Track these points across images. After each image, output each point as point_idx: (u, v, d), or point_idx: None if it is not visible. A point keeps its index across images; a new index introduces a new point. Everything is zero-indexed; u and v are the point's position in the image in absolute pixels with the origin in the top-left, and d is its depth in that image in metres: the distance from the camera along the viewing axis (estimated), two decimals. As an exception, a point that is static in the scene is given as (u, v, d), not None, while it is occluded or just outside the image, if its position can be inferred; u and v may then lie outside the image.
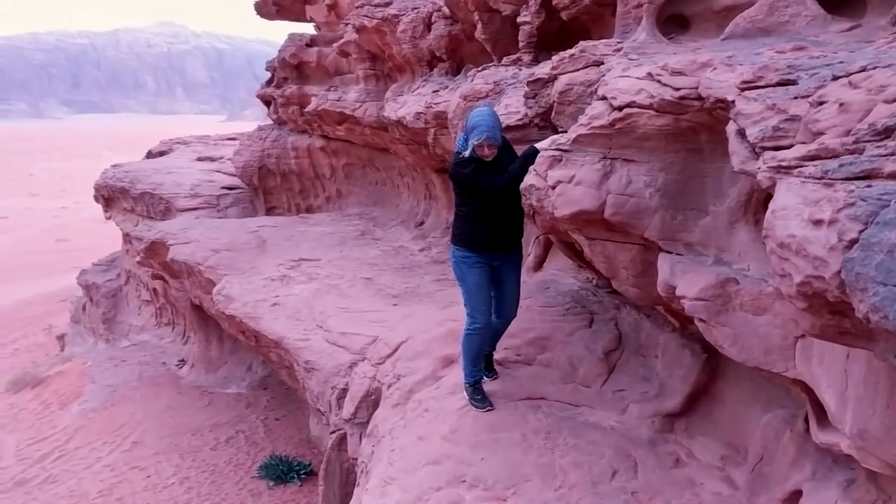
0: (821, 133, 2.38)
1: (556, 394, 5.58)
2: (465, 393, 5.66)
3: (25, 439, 14.47)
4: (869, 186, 1.98)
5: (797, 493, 3.84)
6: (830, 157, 2.25)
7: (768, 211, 2.39)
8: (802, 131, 2.54)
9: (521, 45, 7.48)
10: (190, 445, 13.49)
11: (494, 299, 5.61)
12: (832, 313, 2.15)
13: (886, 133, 2.17)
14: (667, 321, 5.46)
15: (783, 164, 2.43)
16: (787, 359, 3.37)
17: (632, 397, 5.36)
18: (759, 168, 2.62)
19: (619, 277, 4.67)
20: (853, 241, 1.90)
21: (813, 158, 2.32)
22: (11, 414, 15.95)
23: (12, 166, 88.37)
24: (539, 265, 8.11)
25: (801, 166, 2.34)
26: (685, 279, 3.80)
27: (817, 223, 2.06)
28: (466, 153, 5.13)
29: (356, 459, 6.52)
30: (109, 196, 20.62)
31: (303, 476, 12.01)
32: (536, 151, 4.88)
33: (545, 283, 7.12)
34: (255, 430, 14.08)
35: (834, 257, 1.96)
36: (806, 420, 3.88)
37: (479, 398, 5.52)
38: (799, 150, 2.42)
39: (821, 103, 2.50)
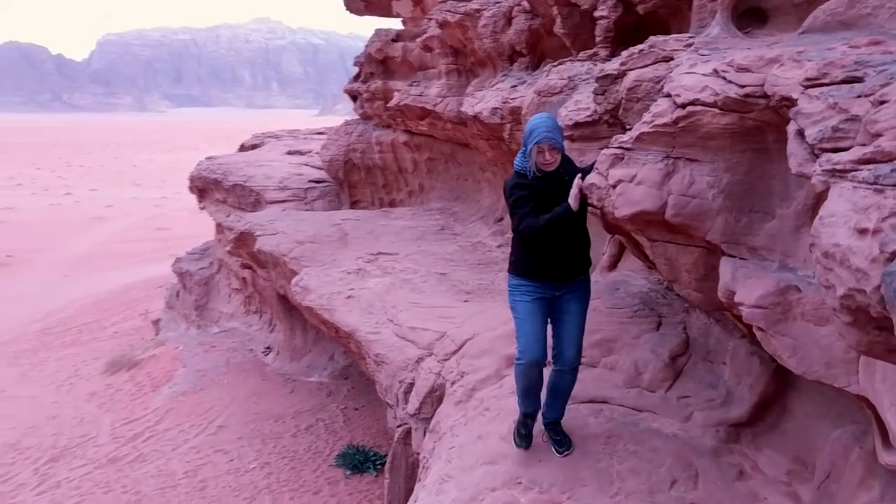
0: (879, 135, 2.21)
1: (619, 398, 5.44)
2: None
3: (120, 419, 15.15)
4: (919, 194, 1.83)
5: (864, 515, 3.64)
6: (886, 161, 2.08)
7: (817, 217, 2.24)
8: (862, 132, 2.37)
9: (597, 39, 7.33)
10: (272, 431, 13.82)
11: (553, 338, 4.99)
12: (879, 329, 1.99)
13: (947, 135, 2.00)
14: (737, 327, 5.25)
15: (838, 167, 2.28)
16: (850, 373, 3.17)
17: (697, 404, 5.17)
18: (814, 171, 2.46)
19: (680, 281, 4.51)
20: (894, 254, 1.75)
21: (868, 162, 2.16)
22: (108, 394, 16.72)
23: (119, 157, 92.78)
24: (613, 265, 7.94)
25: (856, 170, 2.18)
26: (745, 285, 3.63)
27: (862, 232, 1.91)
28: (547, 177, 4.58)
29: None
30: (203, 187, 21.25)
31: (379, 467, 12.10)
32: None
33: (615, 283, 6.96)
34: (334, 419, 14.30)
35: (875, 270, 1.81)
36: (878, 438, 3.66)
37: (523, 433, 5.07)
38: (855, 153, 2.25)
39: (882, 102, 2.33)
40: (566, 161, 4.79)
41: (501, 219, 13.10)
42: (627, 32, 7.20)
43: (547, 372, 5.02)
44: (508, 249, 11.18)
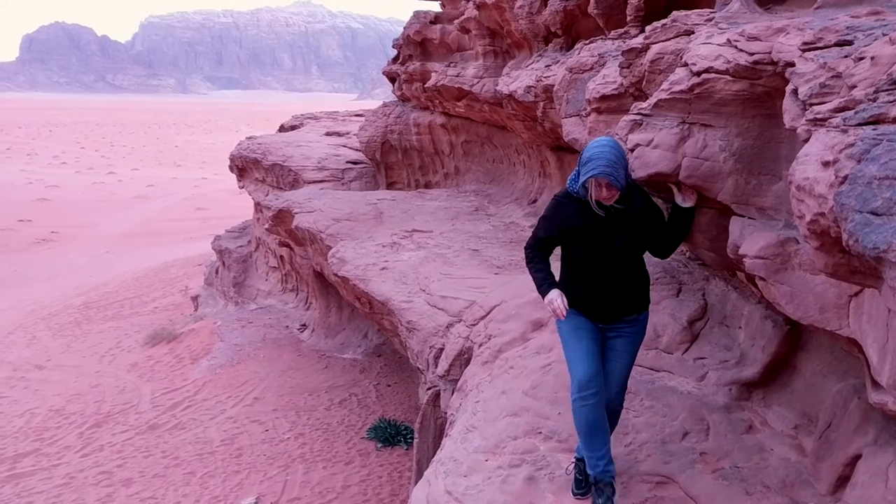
0: (854, 87, 2.47)
1: (638, 359, 5.67)
2: None
3: (160, 389, 15.71)
4: (874, 129, 2.09)
5: (858, 458, 3.87)
6: (853, 108, 2.34)
7: (795, 159, 2.50)
8: (844, 87, 2.63)
9: (628, 18, 7.54)
10: (306, 404, 14.27)
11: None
12: (842, 252, 2.25)
13: (899, 82, 2.24)
14: (752, 293, 5.47)
15: (819, 116, 2.54)
16: (842, 317, 3.42)
17: (712, 365, 5.42)
18: (801, 123, 2.72)
19: (694, 241, 4.76)
20: (846, 178, 2.01)
21: (843, 110, 2.42)
22: (149, 365, 17.29)
23: (161, 138, 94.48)
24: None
25: (832, 118, 2.44)
26: (749, 239, 3.89)
27: (825, 164, 2.18)
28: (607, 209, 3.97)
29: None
30: (243, 166, 21.68)
31: (409, 440, 12.42)
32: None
33: (639, 254, 7.19)
34: (367, 395, 14.70)
35: (832, 193, 2.08)
36: (875, 387, 3.88)
37: (580, 479, 4.41)
38: (833, 104, 2.52)
39: (860, 59, 2.58)
40: (635, 191, 4.15)
41: (535, 200, 13.31)
42: (658, 11, 7.39)
43: None
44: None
